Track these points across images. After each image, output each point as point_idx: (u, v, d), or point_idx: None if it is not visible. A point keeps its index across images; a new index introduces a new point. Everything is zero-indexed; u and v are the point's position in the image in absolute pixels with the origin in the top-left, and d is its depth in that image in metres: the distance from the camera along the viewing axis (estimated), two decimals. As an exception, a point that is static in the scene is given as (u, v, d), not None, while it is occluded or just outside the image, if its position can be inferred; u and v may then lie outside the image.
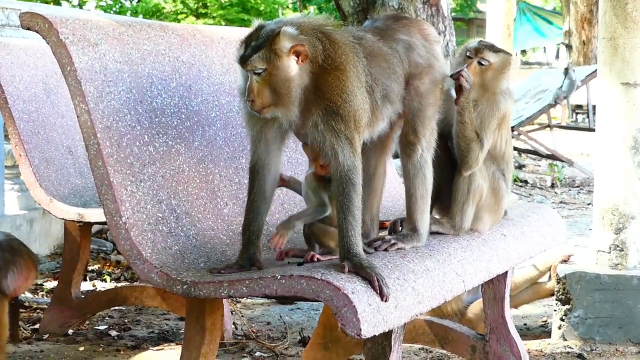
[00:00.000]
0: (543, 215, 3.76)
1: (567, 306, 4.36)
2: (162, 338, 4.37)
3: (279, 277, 2.53)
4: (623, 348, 4.29)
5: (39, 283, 5.37)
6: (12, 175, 5.97)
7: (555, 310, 4.41)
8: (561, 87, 12.19)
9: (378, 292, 2.50)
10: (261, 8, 26.16)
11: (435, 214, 3.39)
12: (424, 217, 3.06)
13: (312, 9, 28.62)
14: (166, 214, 2.89)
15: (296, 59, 2.68)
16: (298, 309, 5.01)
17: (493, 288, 3.63)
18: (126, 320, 4.67)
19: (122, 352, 4.13)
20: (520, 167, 12.26)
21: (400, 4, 8.54)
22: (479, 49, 3.34)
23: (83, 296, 4.47)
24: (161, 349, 4.19)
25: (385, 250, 2.90)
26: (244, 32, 2.84)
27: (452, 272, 2.90)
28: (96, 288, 5.34)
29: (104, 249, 6.33)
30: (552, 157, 11.94)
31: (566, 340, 4.34)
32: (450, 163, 3.31)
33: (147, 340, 4.33)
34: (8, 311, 3.67)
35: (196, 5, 26.15)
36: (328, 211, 2.89)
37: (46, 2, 11.68)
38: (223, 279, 2.64)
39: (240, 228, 2.91)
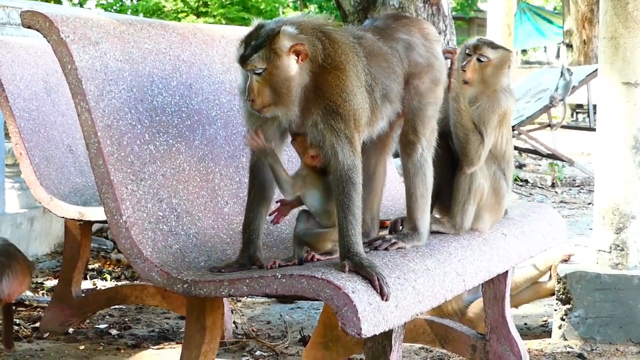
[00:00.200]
0: (543, 215, 3.76)
1: (567, 306, 4.36)
2: (163, 337, 4.37)
3: (279, 276, 2.53)
4: (623, 348, 4.29)
5: (39, 281, 5.38)
6: (13, 173, 5.97)
7: (555, 310, 4.40)
8: (556, 88, 12.18)
9: (378, 291, 2.50)
10: (262, 7, 26.15)
11: (436, 214, 3.39)
12: (425, 217, 3.06)
13: (312, 7, 28.61)
14: (167, 213, 2.89)
15: (296, 58, 2.68)
16: (298, 308, 5.01)
17: (493, 287, 3.63)
18: (126, 319, 4.67)
19: (122, 351, 4.13)
20: (520, 166, 12.26)
21: (400, 3, 8.54)
22: (477, 45, 3.34)
23: (83, 295, 4.47)
24: (161, 348, 4.19)
25: (386, 249, 2.90)
26: (245, 31, 2.84)
27: (452, 272, 2.90)
28: (96, 287, 5.34)
29: (105, 247, 6.33)
30: (552, 156, 11.93)
31: (566, 339, 4.34)
32: (451, 162, 3.31)
33: (147, 339, 4.33)
34: (3, 316, 3.67)
35: (197, 4, 26.15)
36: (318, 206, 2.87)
37: (47, 1, 11.68)
38: (223, 277, 2.64)
39: (241, 227, 2.91)
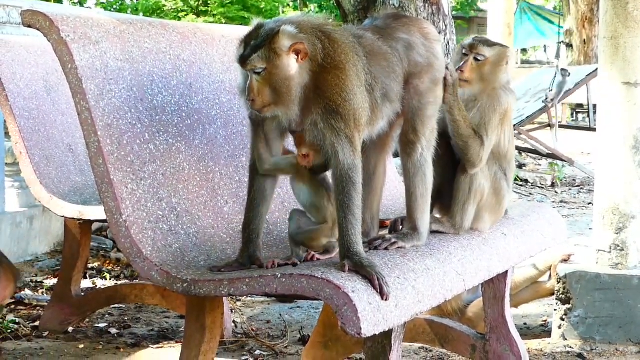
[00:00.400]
0: (543, 215, 3.76)
1: (567, 306, 4.36)
2: (162, 336, 4.37)
3: (279, 275, 2.53)
4: (623, 348, 4.29)
5: (39, 280, 5.38)
6: (13, 172, 5.97)
7: (555, 310, 4.41)
8: (550, 89, 12.18)
9: (378, 291, 2.50)
10: (262, 6, 26.14)
11: (436, 213, 3.39)
12: (425, 216, 3.05)
13: (312, 7, 28.60)
14: (166, 212, 2.89)
15: (296, 57, 2.68)
16: (298, 307, 5.01)
17: (493, 287, 3.63)
18: (126, 318, 4.67)
19: (122, 350, 4.14)
20: (520, 166, 12.26)
21: (401, 3, 8.54)
22: (473, 44, 3.34)
23: (83, 294, 4.47)
24: (161, 347, 4.19)
25: (386, 249, 2.90)
26: (245, 30, 2.84)
27: (452, 271, 2.90)
28: (96, 286, 5.34)
29: (104, 246, 6.33)
30: (552, 156, 11.93)
31: (566, 339, 4.34)
32: (452, 163, 3.31)
33: (147, 338, 4.33)
34: None
35: (197, 3, 26.14)
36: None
37: (47, 0, 11.68)
38: (223, 277, 2.64)
39: (241, 226, 2.91)
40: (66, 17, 2.87)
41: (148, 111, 2.99)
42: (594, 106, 10.64)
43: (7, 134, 5.62)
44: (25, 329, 4.36)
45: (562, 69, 12.41)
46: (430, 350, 4.17)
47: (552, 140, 12.51)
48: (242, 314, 4.76)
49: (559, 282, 4.39)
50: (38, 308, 4.76)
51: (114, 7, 27.18)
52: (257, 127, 2.83)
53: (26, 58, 4.48)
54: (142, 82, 3.02)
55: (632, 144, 4.40)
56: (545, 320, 4.83)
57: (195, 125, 3.19)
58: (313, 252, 2.83)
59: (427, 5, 8.62)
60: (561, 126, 15.70)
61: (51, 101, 4.52)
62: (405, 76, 3.02)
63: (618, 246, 4.42)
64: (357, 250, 2.63)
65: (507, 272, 3.55)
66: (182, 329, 4.43)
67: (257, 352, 4.14)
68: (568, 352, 4.22)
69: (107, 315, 4.72)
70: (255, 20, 2.78)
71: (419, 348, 4.20)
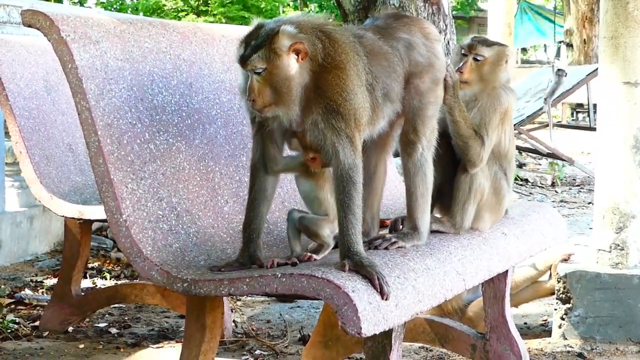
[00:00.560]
0: (543, 214, 3.76)
1: (567, 305, 4.36)
2: (162, 336, 4.37)
3: (279, 275, 2.53)
4: (623, 347, 4.29)
5: (39, 280, 5.38)
6: (13, 172, 5.97)
7: (555, 309, 4.40)
8: (545, 88, 12.18)
9: (378, 290, 2.50)
10: (262, 6, 26.14)
11: (436, 213, 3.39)
12: (425, 216, 3.05)
13: (312, 7, 28.60)
14: (166, 212, 2.89)
15: (296, 57, 2.68)
16: (298, 307, 5.01)
17: (493, 287, 3.63)
18: (126, 318, 4.67)
19: (122, 350, 4.14)
20: (520, 165, 12.26)
21: (401, 2, 8.53)
22: (472, 45, 3.34)
23: (83, 293, 4.47)
24: (161, 347, 4.19)
25: (386, 248, 2.90)
26: (245, 30, 2.84)
27: (452, 271, 2.90)
28: (96, 285, 5.34)
29: (104, 246, 6.33)
30: (552, 155, 11.93)
31: (566, 339, 4.34)
32: (452, 162, 3.31)
33: (147, 337, 4.33)
34: None
35: (197, 3, 26.15)
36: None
37: (47, 0, 11.68)
38: (223, 276, 2.64)
39: (241, 226, 2.91)
40: (66, 16, 2.86)
41: (148, 111, 2.99)
42: (594, 106, 10.65)
43: (7, 134, 5.62)
44: (25, 328, 4.36)
45: (558, 69, 12.40)
46: (431, 350, 4.17)
47: (551, 139, 12.52)
48: (242, 314, 4.76)
49: (559, 282, 4.39)
50: (38, 308, 4.76)
51: (114, 6, 27.19)
52: (262, 128, 2.83)
53: (26, 58, 4.48)
54: (142, 82, 3.02)
55: (633, 144, 4.40)
56: (545, 320, 4.83)
57: (195, 124, 3.19)
58: (309, 254, 2.83)
59: (427, 5, 8.62)
60: (561, 126, 15.71)
61: (51, 101, 4.52)
62: (406, 76, 3.02)
63: (618, 246, 4.42)
64: (357, 250, 2.63)
65: (507, 271, 3.55)
66: (182, 329, 4.43)
67: (257, 351, 4.14)
68: (568, 352, 4.22)
69: (107, 315, 4.72)
70: (256, 20, 2.78)
71: (419, 347, 4.20)
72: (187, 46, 3.35)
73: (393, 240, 2.94)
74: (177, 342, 4.24)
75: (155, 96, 3.05)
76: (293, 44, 2.66)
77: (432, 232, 3.15)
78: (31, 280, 5.36)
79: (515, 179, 10.83)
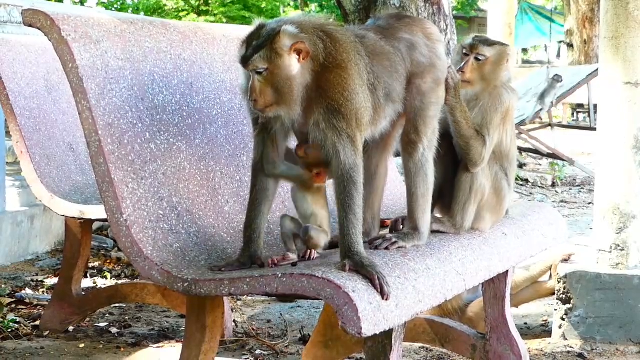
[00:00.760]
0: (544, 215, 3.76)
1: (567, 305, 4.36)
2: (163, 335, 4.37)
3: (280, 275, 2.54)
4: (624, 348, 4.29)
5: (39, 280, 5.38)
6: (14, 171, 5.98)
7: (555, 310, 4.40)
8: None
9: (379, 290, 2.50)
10: (262, 6, 26.15)
11: (437, 213, 3.39)
12: (425, 216, 3.06)
13: (313, 6, 28.60)
14: (167, 212, 2.89)
15: (297, 57, 2.68)
16: (298, 307, 5.01)
17: (494, 287, 3.63)
18: (127, 318, 4.67)
19: (122, 349, 4.14)
20: (521, 165, 12.26)
21: (402, 2, 8.54)
22: (474, 45, 3.35)
23: (84, 293, 4.47)
24: (161, 347, 4.19)
25: (386, 248, 2.90)
26: (246, 30, 2.84)
27: (453, 271, 2.90)
28: (97, 285, 5.34)
29: (105, 246, 6.34)
30: (553, 156, 11.93)
31: (567, 339, 4.34)
32: (453, 162, 3.31)
33: (147, 337, 4.33)
34: None
35: (197, 3, 26.16)
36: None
37: (48, -1, 11.70)
38: (224, 276, 2.64)
39: (242, 226, 2.91)
40: (67, 16, 2.87)
41: (149, 110, 2.99)
42: (595, 106, 10.65)
43: (8, 133, 5.63)
44: (25, 328, 4.36)
45: (555, 75, 12.37)
46: (431, 350, 4.17)
47: (552, 139, 12.51)
48: (243, 314, 4.76)
49: (559, 282, 4.39)
50: (39, 307, 4.76)
51: (115, 6, 27.19)
52: (264, 129, 2.83)
53: (27, 57, 4.49)
54: (143, 82, 3.02)
55: (633, 144, 4.40)
56: (545, 320, 4.83)
57: (196, 124, 3.19)
58: (309, 250, 2.83)
59: (427, 5, 8.62)
60: (562, 126, 15.70)
61: (52, 100, 4.52)
62: (408, 76, 3.02)
63: (619, 246, 4.42)
64: (357, 250, 2.63)
65: (507, 271, 3.55)
66: (182, 329, 4.43)
67: (258, 351, 4.14)
68: (568, 352, 4.22)
69: (107, 315, 4.72)
70: (257, 21, 2.78)
71: (420, 348, 4.20)
72: (188, 46, 3.36)
73: (393, 240, 2.94)
74: (177, 341, 4.24)
75: (156, 96, 3.06)
76: (294, 44, 2.67)
77: (433, 232, 3.15)
78: (32, 280, 5.36)
79: (516, 179, 10.82)
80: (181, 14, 25.63)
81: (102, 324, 4.52)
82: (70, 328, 4.40)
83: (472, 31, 32.00)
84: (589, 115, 14.92)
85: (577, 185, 11.31)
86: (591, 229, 5.07)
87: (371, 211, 3.18)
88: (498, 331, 3.61)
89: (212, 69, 3.42)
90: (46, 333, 4.33)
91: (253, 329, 4.46)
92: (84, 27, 2.88)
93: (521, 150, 12.74)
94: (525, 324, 4.75)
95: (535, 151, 12.37)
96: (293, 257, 2.82)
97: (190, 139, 3.13)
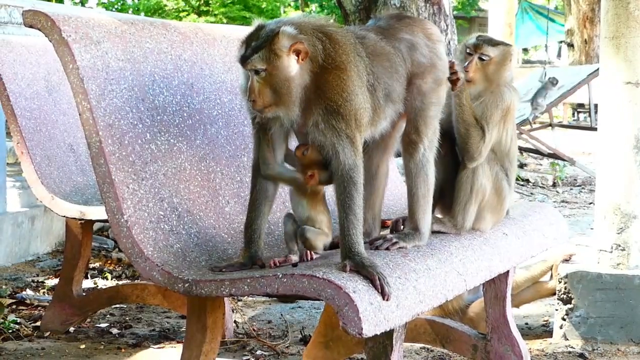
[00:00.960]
0: (545, 215, 3.76)
1: (568, 306, 4.35)
2: (163, 336, 4.37)
3: (280, 275, 2.53)
4: (625, 348, 4.28)
5: (40, 280, 5.38)
6: (14, 172, 5.98)
7: (556, 310, 4.40)
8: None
9: (379, 291, 2.50)
10: (263, 6, 26.17)
11: (438, 213, 3.39)
12: (426, 216, 3.06)
13: (313, 7, 28.62)
14: (168, 212, 2.89)
15: (296, 58, 2.69)
16: (299, 307, 5.01)
17: (494, 287, 3.63)
18: (127, 318, 4.67)
19: (123, 350, 4.14)
20: (521, 165, 12.26)
21: (402, 2, 8.54)
22: (477, 44, 3.35)
23: (84, 294, 4.47)
24: (162, 347, 4.19)
25: (387, 249, 2.90)
26: (246, 30, 2.84)
27: (453, 271, 2.90)
28: (97, 286, 5.34)
29: (106, 246, 6.34)
30: (553, 156, 11.93)
31: (568, 339, 4.34)
32: (454, 163, 3.31)
33: (148, 338, 4.33)
34: None
35: (198, 3, 26.17)
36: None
37: (48, 0, 11.70)
38: (224, 277, 2.64)
39: (242, 226, 2.91)
40: (67, 17, 2.87)
41: (149, 111, 2.99)
42: (596, 106, 10.64)
43: (8, 134, 5.63)
44: (26, 329, 4.36)
45: (551, 78, 12.35)
46: (432, 350, 4.17)
47: (552, 139, 12.51)
48: (244, 314, 4.76)
49: (560, 282, 4.39)
50: (39, 308, 4.76)
51: (115, 7, 27.21)
52: (262, 130, 2.84)
53: (27, 58, 4.49)
54: (143, 82, 3.02)
55: (634, 144, 4.39)
56: (546, 320, 4.82)
57: (196, 125, 3.19)
58: (308, 251, 2.83)
59: (428, 5, 8.62)
60: (562, 126, 15.70)
61: (52, 101, 4.52)
62: (408, 76, 3.02)
63: (619, 246, 4.41)
64: (358, 250, 2.63)
65: (508, 272, 3.55)
66: (183, 329, 4.43)
67: (259, 352, 4.14)
68: (569, 352, 4.22)
69: (108, 315, 4.72)
70: (257, 21, 2.78)
71: (420, 348, 4.20)
72: (188, 46, 3.36)
73: (394, 240, 2.94)
74: (178, 342, 4.24)
75: (157, 97, 3.06)
76: (293, 45, 2.67)
77: (434, 232, 3.15)
78: (32, 281, 5.36)
79: (517, 179, 10.82)
80: (181, 15, 25.65)
81: (103, 325, 4.52)
82: (71, 329, 4.40)
83: (473, 31, 32.01)
84: (590, 115, 14.92)
85: (578, 185, 11.30)
86: (592, 229, 5.07)
87: (372, 211, 3.18)
88: (499, 331, 3.61)
89: (213, 69, 3.42)
90: (47, 334, 4.33)
91: (254, 330, 4.46)
92: (84, 27, 2.88)
93: (522, 150, 12.74)
94: (526, 324, 4.75)
95: (536, 151, 12.36)
96: (295, 258, 2.83)
97: (190, 139, 3.13)
